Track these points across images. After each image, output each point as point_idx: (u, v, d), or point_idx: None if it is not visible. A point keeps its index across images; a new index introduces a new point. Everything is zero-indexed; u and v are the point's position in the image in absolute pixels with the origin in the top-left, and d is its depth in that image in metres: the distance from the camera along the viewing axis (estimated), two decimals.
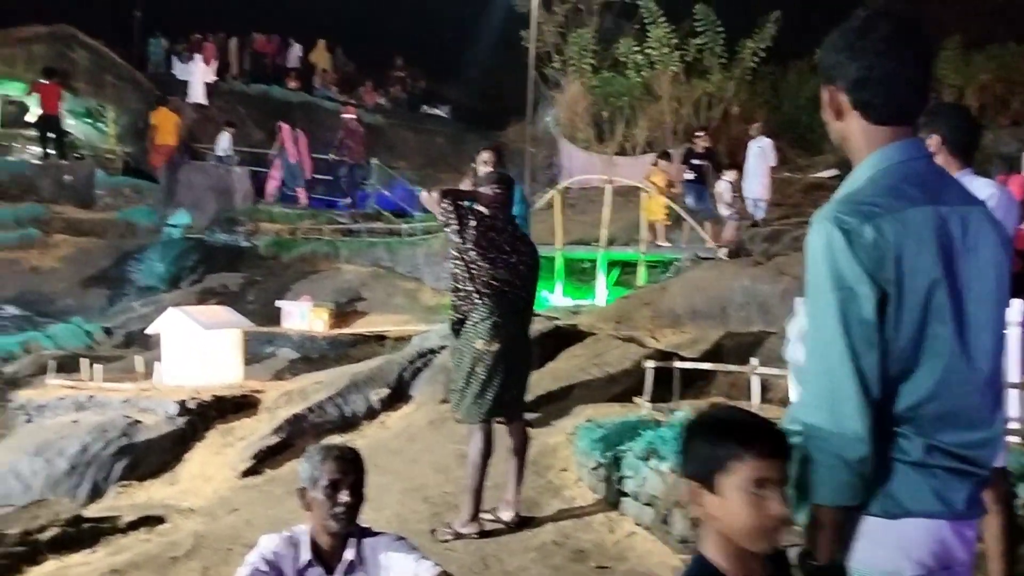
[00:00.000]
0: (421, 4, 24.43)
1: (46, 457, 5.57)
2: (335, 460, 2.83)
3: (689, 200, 12.23)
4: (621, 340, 7.83)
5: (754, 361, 6.12)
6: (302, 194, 16.79)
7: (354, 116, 17.54)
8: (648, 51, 17.21)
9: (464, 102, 25.18)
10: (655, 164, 12.92)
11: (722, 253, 10.33)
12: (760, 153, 12.53)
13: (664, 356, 6.90)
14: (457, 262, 4.63)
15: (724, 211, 11.59)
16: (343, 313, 10.76)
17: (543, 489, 5.20)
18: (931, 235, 1.62)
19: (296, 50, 23.76)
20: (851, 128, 1.74)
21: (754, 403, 5.86)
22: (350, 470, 2.84)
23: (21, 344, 9.49)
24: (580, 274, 11.86)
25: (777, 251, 10.07)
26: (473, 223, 4.59)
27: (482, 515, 4.61)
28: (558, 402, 6.44)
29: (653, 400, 6.02)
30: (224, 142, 17.16)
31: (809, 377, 1.69)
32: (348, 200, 17.10)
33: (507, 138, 19.82)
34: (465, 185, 5.07)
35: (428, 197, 4.84)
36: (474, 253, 4.55)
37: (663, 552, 4.38)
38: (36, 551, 4.52)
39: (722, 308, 8.61)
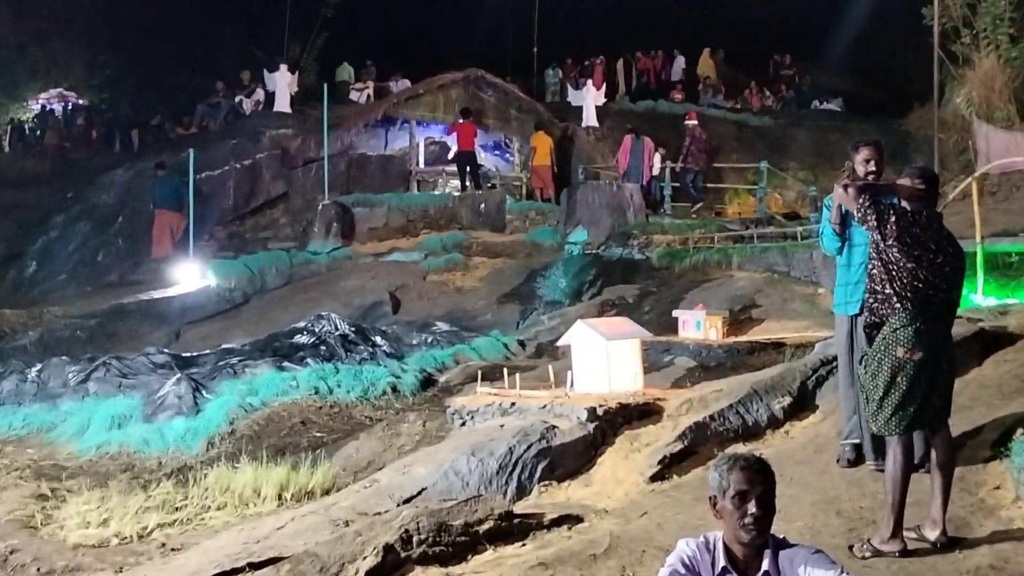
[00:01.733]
0: None
1: (480, 457, 6.24)
2: (742, 471, 2.84)
3: None
4: None
5: None
6: None
7: (696, 122, 17.42)
8: None
9: (859, 92, 23.71)
10: None
11: None
12: None
13: None
14: (875, 262, 4.40)
15: None
16: (738, 321, 10.66)
17: (974, 508, 4.74)
18: None
19: (680, 62, 24.15)
20: None
21: None
22: (758, 481, 2.83)
23: (452, 356, 10.68)
24: (1006, 269, 10.58)
25: None
26: (894, 219, 4.33)
27: (904, 533, 4.33)
28: (988, 413, 5.82)
29: None
30: (656, 162, 17.90)
31: None
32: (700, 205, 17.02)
33: (911, 125, 18.36)
34: (840, 184, 4.81)
35: (843, 194, 4.65)
36: (896, 251, 4.28)
37: None
38: (476, 541, 5.07)
39: None
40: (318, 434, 8.62)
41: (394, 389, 9.56)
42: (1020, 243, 10.21)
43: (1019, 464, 4.76)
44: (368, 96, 21.68)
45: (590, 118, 20.28)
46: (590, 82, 20.89)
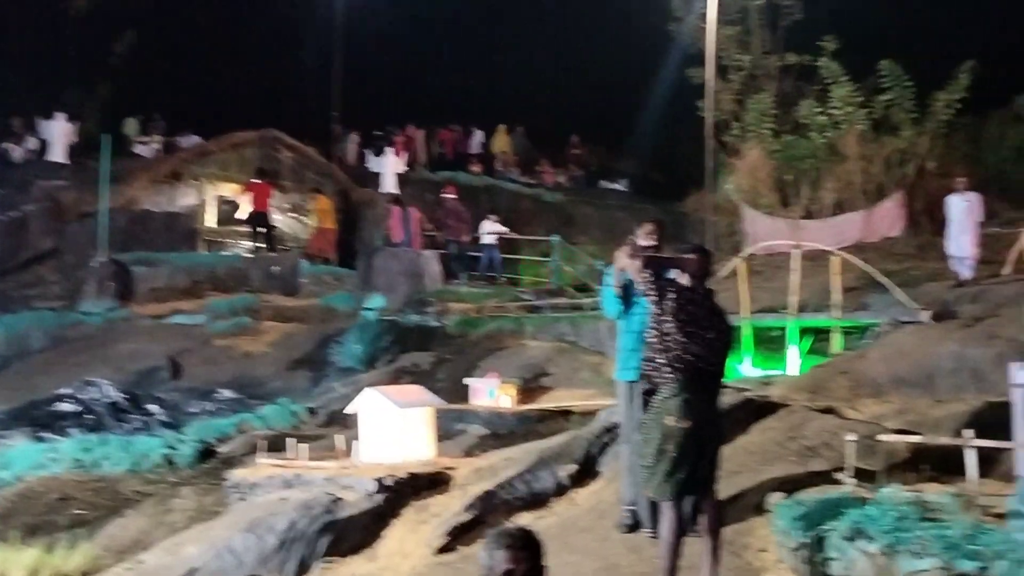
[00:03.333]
0: (596, 83, 24.99)
1: (257, 534, 5.90)
2: (507, 549, 2.81)
3: None
4: (818, 412, 7.46)
5: (968, 432, 5.65)
6: None
7: (453, 196, 18.10)
8: (831, 111, 16.76)
9: (642, 175, 25.31)
10: None
11: (925, 316, 9.71)
12: (968, 208, 11.83)
13: (867, 428, 6.50)
14: (653, 331, 4.60)
15: None
16: (529, 389, 10.84)
17: (741, 570, 4.98)
18: None
19: (478, 136, 24.85)
20: None
21: (970, 478, 5.38)
22: (523, 559, 2.81)
23: (235, 425, 10.15)
24: (769, 343, 11.45)
25: (988, 313, 9.35)
26: (673, 295, 4.56)
27: None
28: (753, 478, 6.18)
29: (856, 476, 5.66)
30: (487, 228, 18.07)
31: None
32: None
33: (687, 208, 19.70)
34: (622, 255, 5.07)
35: (630, 263, 4.86)
36: (670, 326, 4.51)
37: None
38: None
39: (928, 375, 8.07)
40: (79, 511, 7.89)
41: (169, 461, 8.97)
42: (782, 319, 11.10)
43: (781, 527, 5.06)
44: (156, 150, 20.70)
45: (389, 185, 20.33)
46: (390, 150, 21.02)
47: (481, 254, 18.05)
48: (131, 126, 21.49)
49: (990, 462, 5.76)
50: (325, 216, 18.75)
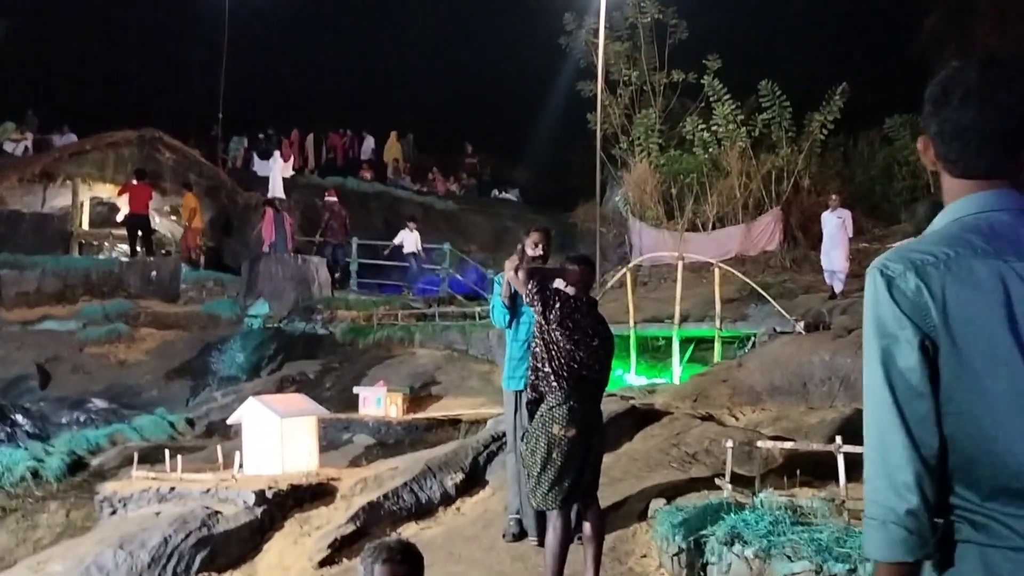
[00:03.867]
0: (490, 93, 25.16)
1: (129, 550, 5.65)
2: (384, 563, 2.79)
3: None
4: (699, 419, 7.66)
5: (839, 439, 5.89)
6: None
7: (335, 199, 18.05)
8: (714, 128, 17.31)
9: (533, 185, 25.60)
10: None
11: (799, 327, 10.11)
12: (840, 224, 12.41)
13: (744, 435, 6.70)
14: (538, 340, 4.63)
15: None
16: (418, 397, 10.77)
17: None
18: (995, 288, 1.50)
19: (369, 143, 24.66)
20: (942, 178, 1.70)
21: (841, 483, 5.61)
22: (402, 573, 2.79)
23: (108, 436, 9.73)
24: (654, 352, 11.71)
25: (857, 324, 9.80)
26: (558, 304, 4.60)
27: None
28: (636, 484, 6.29)
29: (734, 481, 5.83)
30: (406, 236, 17.66)
31: (865, 427, 1.64)
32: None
33: (576, 218, 19.97)
34: (511, 264, 5.10)
35: (515, 277, 4.88)
36: (558, 334, 4.55)
37: None
38: None
39: (802, 383, 8.39)
40: None
41: (35, 474, 8.50)
42: (666, 329, 11.37)
43: (662, 533, 5.15)
44: (26, 148, 19.68)
45: (277, 189, 19.86)
46: (278, 153, 20.57)
47: (407, 263, 17.83)
48: (6, 130, 20.34)
49: (859, 467, 6.01)
50: (193, 214, 18.23)
